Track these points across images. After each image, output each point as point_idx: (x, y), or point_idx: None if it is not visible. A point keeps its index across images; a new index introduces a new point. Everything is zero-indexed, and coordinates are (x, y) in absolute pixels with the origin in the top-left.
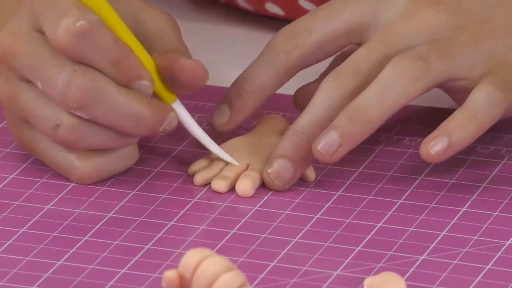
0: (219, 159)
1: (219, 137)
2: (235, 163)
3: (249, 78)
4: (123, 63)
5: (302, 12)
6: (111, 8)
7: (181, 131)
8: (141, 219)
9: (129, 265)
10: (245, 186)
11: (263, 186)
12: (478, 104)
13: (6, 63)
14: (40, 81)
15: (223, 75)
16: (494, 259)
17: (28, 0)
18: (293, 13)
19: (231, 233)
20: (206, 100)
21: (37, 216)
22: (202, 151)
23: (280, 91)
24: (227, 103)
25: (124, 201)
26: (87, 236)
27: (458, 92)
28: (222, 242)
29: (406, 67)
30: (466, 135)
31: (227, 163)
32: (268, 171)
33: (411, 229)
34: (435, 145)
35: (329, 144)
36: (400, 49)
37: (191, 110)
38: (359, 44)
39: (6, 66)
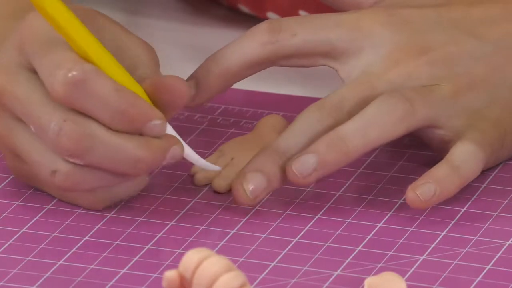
0: (220, 160)
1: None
2: (217, 168)
3: (218, 60)
4: (130, 111)
5: None
6: (97, 41)
7: (181, 132)
8: (141, 219)
9: (129, 265)
10: None
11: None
12: (460, 160)
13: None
14: (32, 126)
15: None
16: (494, 259)
17: (16, 34)
18: None
19: (231, 233)
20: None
21: (37, 216)
22: (202, 151)
23: (280, 91)
24: (194, 80)
25: (124, 201)
26: (87, 236)
27: (435, 141)
28: (222, 242)
29: (391, 107)
30: (449, 187)
31: (227, 164)
32: (245, 187)
33: (411, 229)
34: (424, 192)
35: (304, 167)
36: (380, 93)
37: (191, 110)
38: (334, 68)
39: (0, 103)
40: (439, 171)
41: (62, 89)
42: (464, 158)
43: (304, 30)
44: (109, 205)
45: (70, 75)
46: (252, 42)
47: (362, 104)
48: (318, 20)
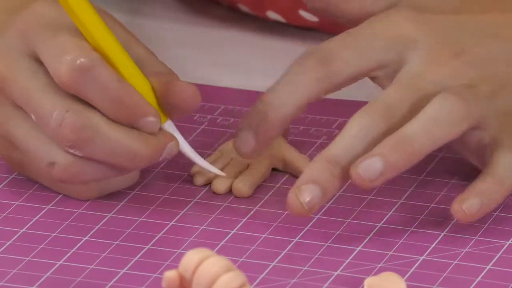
0: (220, 160)
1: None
2: (222, 174)
3: (275, 106)
4: (127, 102)
5: (303, 20)
6: (110, 32)
7: (180, 132)
8: (141, 219)
9: (129, 265)
10: (240, 187)
11: (262, 186)
12: (504, 170)
13: None
14: (33, 115)
15: (224, 77)
16: (494, 259)
17: (19, 21)
18: (294, 21)
19: (231, 233)
20: (206, 101)
21: (37, 216)
22: (202, 151)
23: None
24: (251, 130)
25: (124, 201)
26: (87, 236)
27: (473, 144)
28: (222, 242)
29: (453, 105)
30: (495, 199)
31: (227, 164)
32: (301, 199)
33: (411, 229)
34: (470, 207)
35: (371, 170)
36: (428, 94)
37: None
38: (376, 77)
39: (0, 90)
40: (484, 184)
41: (68, 74)
42: (507, 168)
43: (353, 55)
44: (99, 196)
45: (78, 61)
46: (306, 80)
47: (412, 106)
48: (359, 38)
